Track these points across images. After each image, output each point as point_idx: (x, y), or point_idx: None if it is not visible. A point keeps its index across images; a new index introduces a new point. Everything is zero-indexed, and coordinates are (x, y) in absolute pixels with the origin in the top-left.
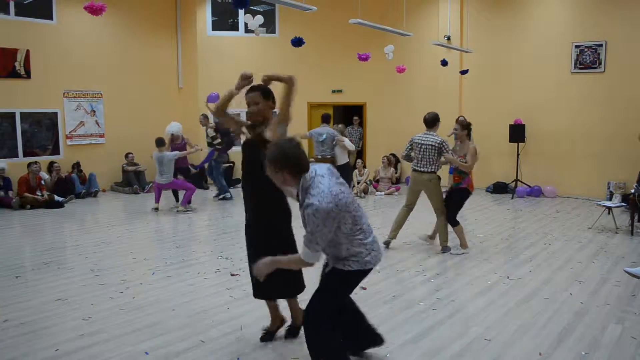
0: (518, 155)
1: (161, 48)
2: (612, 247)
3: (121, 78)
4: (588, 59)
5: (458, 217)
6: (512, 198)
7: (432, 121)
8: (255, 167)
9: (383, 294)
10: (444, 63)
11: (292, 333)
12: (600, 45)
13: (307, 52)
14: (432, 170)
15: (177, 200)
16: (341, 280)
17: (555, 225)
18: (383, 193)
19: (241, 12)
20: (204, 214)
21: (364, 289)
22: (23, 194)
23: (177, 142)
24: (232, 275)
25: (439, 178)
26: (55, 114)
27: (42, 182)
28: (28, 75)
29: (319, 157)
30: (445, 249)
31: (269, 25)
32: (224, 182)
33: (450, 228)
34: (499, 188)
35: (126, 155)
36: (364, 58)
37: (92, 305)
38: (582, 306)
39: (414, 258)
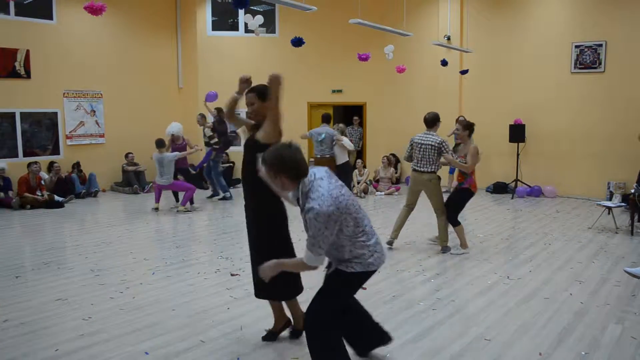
0: (518, 155)
1: (161, 48)
2: (612, 247)
3: (121, 78)
4: (588, 59)
5: (458, 217)
6: (512, 198)
7: (432, 121)
8: (249, 168)
9: (383, 294)
10: (444, 63)
11: (294, 335)
12: (600, 45)
13: (307, 52)
14: (432, 170)
15: (177, 200)
16: (344, 281)
17: (555, 225)
18: (383, 193)
19: (241, 12)
20: (204, 214)
21: (364, 288)
22: (23, 194)
23: (178, 143)
24: (232, 275)
25: (439, 178)
26: (55, 114)
27: (42, 182)
28: (28, 75)
29: (318, 156)
30: (445, 249)
31: (269, 25)
32: (223, 181)
33: (450, 228)
34: (499, 188)
35: (126, 155)
36: (364, 58)
37: (92, 305)
38: (582, 306)
39: (414, 258)
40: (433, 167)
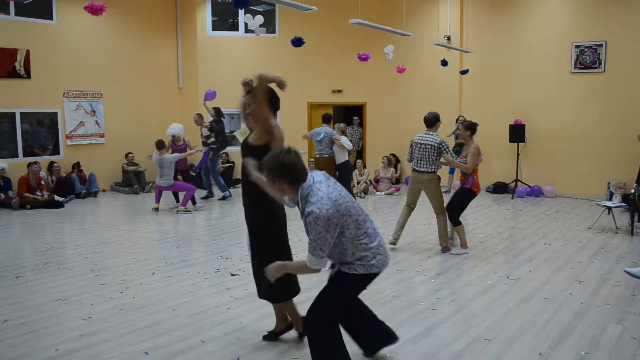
0: (518, 155)
1: (161, 48)
2: (612, 247)
3: (121, 78)
4: (588, 59)
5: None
6: (512, 198)
7: (432, 121)
8: (244, 169)
9: (383, 294)
10: (444, 63)
11: (300, 337)
12: (600, 45)
13: (307, 52)
14: (432, 170)
15: (177, 200)
16: (346, 283)
17: (555, 225)
18: (383, 193)
19: (241, 12)
20: (204, 214)
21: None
22: (23, 194)
23: (179, 144)
24: (232, 275)
25: (439, 178)
26: (55, 114)
27: (42, 182)
28: (28, 75)
29: (317, 156)
30: (445, 249)
31: (269, 25)
32: (222, 181)
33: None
34: (499, 188)
35: (126, 155)
36: (364, 58)
37: (92, 305)
38: (582, 306)
39: (414, 258)
40: (433, 167)
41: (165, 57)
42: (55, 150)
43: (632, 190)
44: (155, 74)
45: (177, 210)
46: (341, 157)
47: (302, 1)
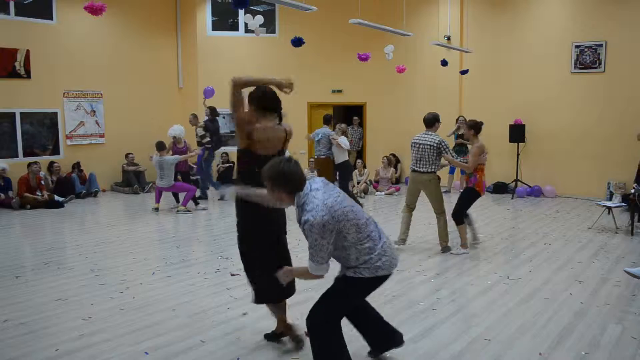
0: (518, 155)
1: (161, 48)
2: (612, 247)
3: (121, 78)
4: (588, 59)
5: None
6: (512, 198)
7: (431, 121)
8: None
9: (383, 294)
10: (444, 63)
11: (297, 342)
12: (600, 45)
13: (307, 52)
14: (432, 170)
15: (177, 201)
16: (352, 285)
17: (555, 225)
18: (383, 193)
19: (241, 12)
20: (204, 214)
21: None
22: (23, 194)
23: (180, 146)
24: (232, 275)
25: (439, 178)
26: (55, 114)
27: (42, 182)
28: (28, 75)
29: (316, 156)
30: (445, 249)
31: (269, 25)
32: (213, 180)
33: (451, 228)
34: (499, 188)
35: (126, 156)
36: (364, 58)
37: (92, 305)
38: (582, 306)
39: (414, 258)
40: (432, 167)
41: (165, 57)
42: (55, 150)
43: (632, 190)
44: (155, 74)
45: (177, 211)
46: (340, 157)
47: (302, 1)
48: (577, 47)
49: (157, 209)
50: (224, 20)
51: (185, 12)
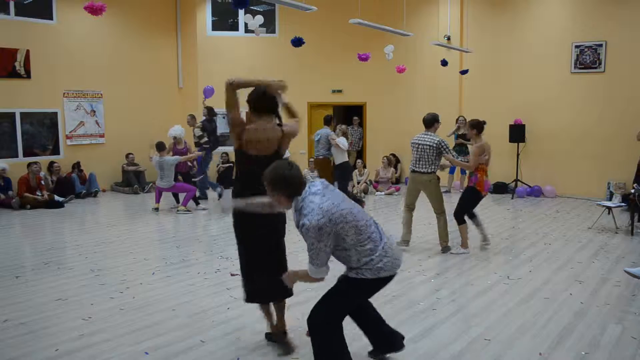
0: (518, 155)
1: (161, 48)
2: (612, 247)
3: (121, 78)
4: (588, 59)
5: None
6: (512, 198)
7: (430, 122)
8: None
9: (383, 294)
10: (444, 63)
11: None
12: (600, 45)
13: (307, 52)
14: (431, 170)
15: (177, 201)
16: (355, 286)
17: (555, 225)
18: (383, 193)
19: (241, 12)
20: (204, 214)
21: None
22: (23, 194)
23: (180, 147)
24: (232, 275)
25: (438, 178)
26: (55, 114)
27: (42, 182)
28: (28, 75)
29: (315, 157)
30: (445, 249)
31: (269, 25)
32: (209, 180)
33: (453, 227)
34: (499, 188)
35: (127, 156)
36: (364, 58)
37: (92, 305)
38: (582, 306)
39: (414, 258)
40: (432, 167)
41: (165, 57)
42: (55, 150)
43: (632, 190)
44: (155, 74)
45: (177, 211)
46: (340, 158)
47: (302, 1)
48: (577, 47)
49: (157, 209)
50: (224, 20)
51: (185, 12)
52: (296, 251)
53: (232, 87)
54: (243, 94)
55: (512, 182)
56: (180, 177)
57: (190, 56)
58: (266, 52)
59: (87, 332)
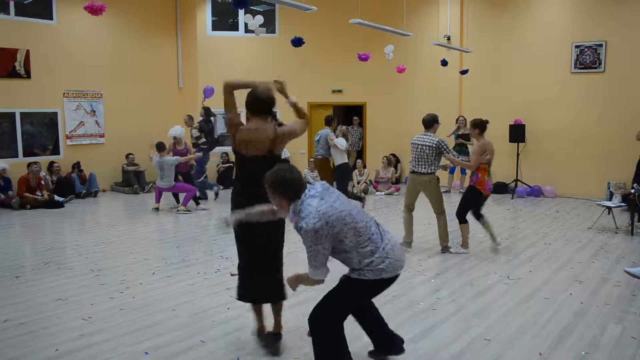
0: (518, 155)
1: (161, 48)
2: (612, 247)
3: (121, 78)
4: (588, 59)
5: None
6: (512, 198)
7: (429, 122)
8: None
9: (383, 294)
10: (444, 63)
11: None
12: (600, 45)
13: (307, 52)
14: (431, 171)
15: (177, 201)
16: (355, 288)
17: (555, 225)
18: (383, 193)
19: (241, 12)
20: (204, 214)
21: None
22: (23, 194)
23: (180, 148)
24: (232, 275)
25: (438, 179)
26: (55, 114)
27: (42, 182)
28: (28, 75)
29: (315, 156)
30: (445, 249)
31: (269, 25)
32: (208, 181)
33: (454, 227)
34: (499, 188)
35: (127, 156)
36: (364, 58)
37: (92, 305)
38: (582, 306)
39: (414, 258)
40: (431, 168)
41: (165, 57)
42: (55, 150)
43: (632, 190)
44: (155, 74)
45: (178, 211)
46: (339, 159)
47: (302, 1)
48: (577, 47)
49: (157, 209)
50: (224, 20)
51: (185, 12)
52: (296, 251)
53: (227, 89)
54: (243, 95)
55: (512, 182)
56: (180, 177)
57: (190, 56)
58: (266, 52)
59: (87, 332)
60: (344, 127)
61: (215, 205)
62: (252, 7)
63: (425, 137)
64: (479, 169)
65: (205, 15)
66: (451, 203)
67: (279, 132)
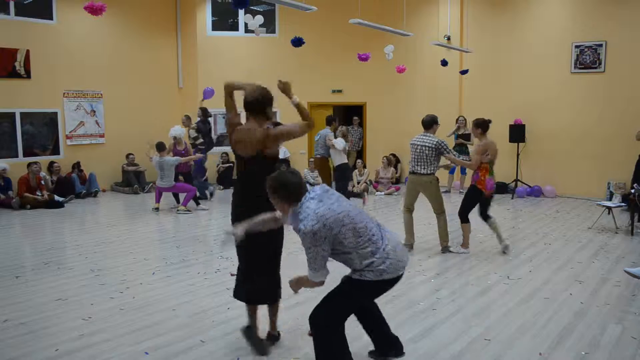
0: (518, 155)
1: (161, 48)
2: (612, 247)
3: (121, 78)
4: (588, 59)
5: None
6: (512, 198)
7: (429, 123)
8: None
9: (383, 294)
10: (444, 63)
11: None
12: (600, 45)
13: (307, 52)
14: (431, 172)
15: (177, 201)
16: (357, 289)
17: (555, 225)
18: (383, 193)
19: (241, 12)
20: (204, 214)
21: None
22: (23, 194)
23: (180, 148)
24: (232, 275)
25: (437, 179)
26: (55, 114)
27: (42, 182)
28: (28, 75)
29: (315, 156)
30: (445, 249)
31: (269, 25)
32: (202, 181)
33: (455, 227)
34: (499, 188)
35: (127, 156)
36: (364, 58)
37: (92, 305)
38: (582, 306)
39: (414, 258)
40: (431, 168)
41: (165, 57)
42: (55, 150)
43: (632, 190)
44: (155, 74)
45: (178, 211)
46: (338, 159)
47: (302, 1)
48: (577, 47)
49: (157, 209)
50: (224, 20)
51: (185, 12)
52: (296, 251)
53: (227, 91)
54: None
55: (512, 182)
56: (181, 178)
57: (190, 56)
58: (266, 52)
59: (87, 332)
60: (344, 128)
61: (215, 205)
62: (252, 7)
63: (424, 137)
64: (480, 168)
65: (205, 15)
66: (451, 203)
67: (271, 132)
